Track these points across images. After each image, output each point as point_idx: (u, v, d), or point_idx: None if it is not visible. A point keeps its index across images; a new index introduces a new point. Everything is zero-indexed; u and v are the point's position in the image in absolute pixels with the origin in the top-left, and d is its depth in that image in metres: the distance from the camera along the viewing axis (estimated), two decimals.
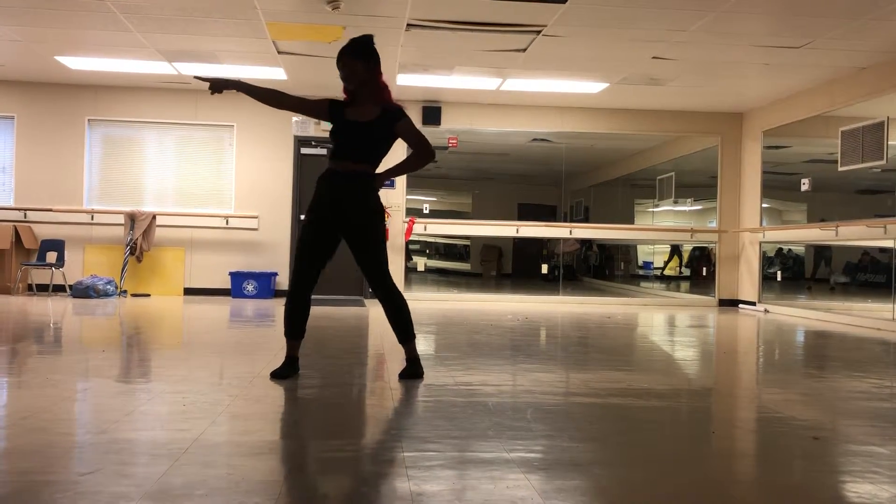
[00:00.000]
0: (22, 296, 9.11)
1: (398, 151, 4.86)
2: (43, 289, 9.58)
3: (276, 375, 3.78)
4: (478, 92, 9.59)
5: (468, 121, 10.50)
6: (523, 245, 16.88)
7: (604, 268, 17.11)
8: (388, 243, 9.99)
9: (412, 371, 3.88)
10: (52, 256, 9.50)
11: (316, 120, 10.01)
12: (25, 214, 9.66)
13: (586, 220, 16.42)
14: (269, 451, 2.49)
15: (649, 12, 6.31)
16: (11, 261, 9.27)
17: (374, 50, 3.83)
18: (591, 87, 9.08)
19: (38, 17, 7.01)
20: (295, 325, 3.84)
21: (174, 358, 4.59)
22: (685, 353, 5.62)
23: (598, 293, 12.77)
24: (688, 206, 12.71)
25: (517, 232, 11.78)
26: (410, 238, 10.74)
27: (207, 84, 3.73)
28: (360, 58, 3.78)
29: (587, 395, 3.59)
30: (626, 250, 18.13)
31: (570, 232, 11.44)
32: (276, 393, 3.49)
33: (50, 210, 9.67)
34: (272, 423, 2.98)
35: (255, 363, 4.28)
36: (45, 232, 9.66)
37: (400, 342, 3.91)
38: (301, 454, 2.52)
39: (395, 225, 10.22)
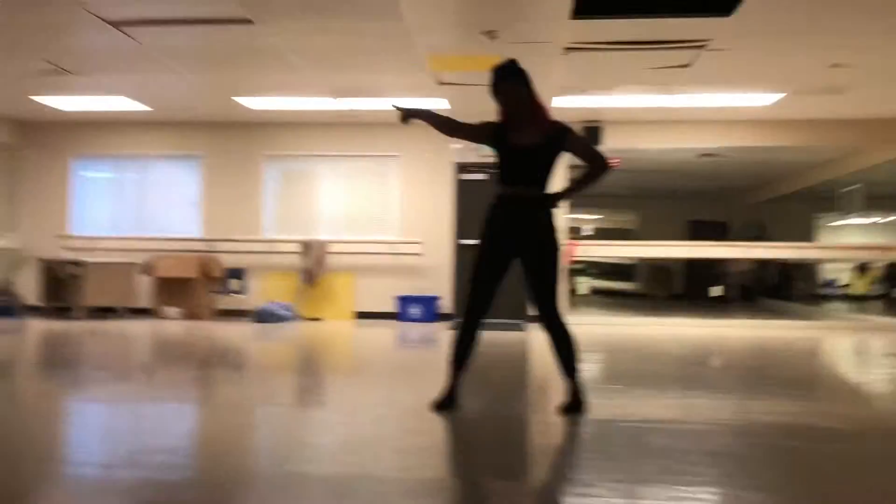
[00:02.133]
0: (210, 321, 9.82)
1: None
2: (228, 314, 10.28)
3: (438, 407, 3.81)
4: (640, 110, 9.34)
5: (631, 140, 10.23)
6: (694, 265, 16.21)
7: (782, 287, 16.08)
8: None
9: (575, 405, 3.78)
10: (235, 284, 10.19)
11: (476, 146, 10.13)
12: (212, 245, 10.43)
13: (760, 236, 15.53)
14: (431, 491, 2.50)
15: (825, 18, 5.88)
16: (200, 288, 10.03)
17: (527, 71, 3.85)
18: (761, 98, 8.59)
19: (220, 64, 7.58)
20: (462, 355, 3.86)
21: (345, 385, 4.76)
22: (880, 386, 5.13)
23: (777, 315, 11.98)
24: (879, 219, 11.69)
25: (688, 253, 11.26)
26: (578, 259, 10.59)
27: (398, 113, 3.88)
28: (522, 83, 3.79)
29: (763, 436, 3.35)
30: (806, 268, 16.88)
31: (747, 253, 10.78)
32: (438, 426, 3.52)
33: (233, 240, 10.39)
34: (434, 458, 3.00)
35: (419, 391, 4.35)
36: (229, 261, 10.38)
37: (563, 374, 3.83)
38: (463, 496, 2.51)
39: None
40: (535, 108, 3.81)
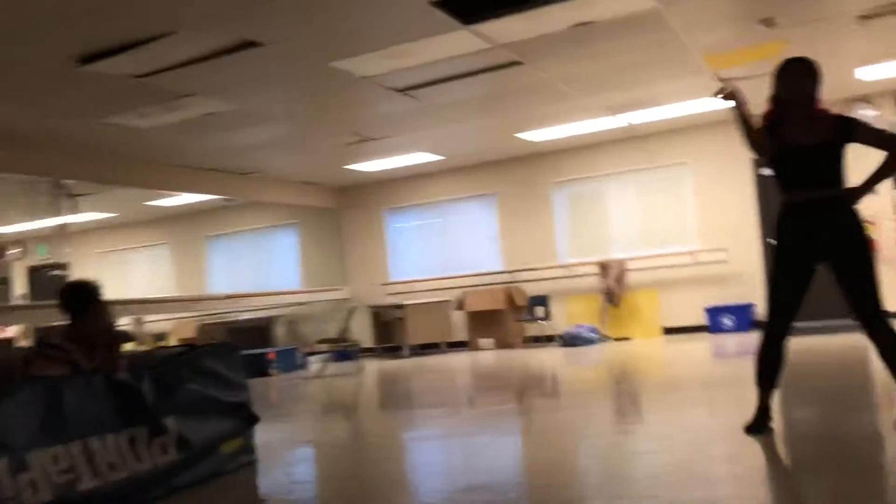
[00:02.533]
0: (521, 348, 10.21)
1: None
2: (536, 340, 10.62)
3: (750, 430, 3.60)
4: None
5: None
6: None
7: None
8: (879, 258, 8.82)
9: None
10: (539, 311, 10.51)
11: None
12: (514, 276, 10.87)
13: None
14: None
15: None
16: (508, 318, 10.49)
17: (819, 72, 3.52)
18: None
19: (497, 106, 7.97)
20: (767, 374, 3.62)
21: (660, 406, 4.69)
22: None
23: None
24: None
25: None
26: None
27: (718, 91, 3.66)
28: (813, 77, 3.50)
29: None
30: None
31: None
32: (752, 451, 3.32)
33: (532, 269, 10.74)
34: (753, 489, 2.84)
35: (740, 408, 4.14)
36: (531, 289, 10.73)
37: None
38: None
39: (884, 234, 8.98)
40: (816, 105, 3.50)
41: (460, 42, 5.77)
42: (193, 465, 3.51)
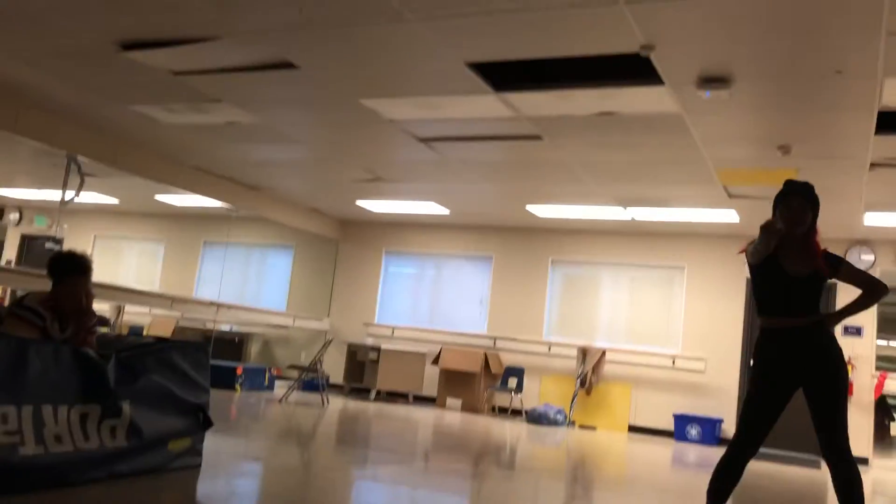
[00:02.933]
0: (486, 416, 10.17)
1: None
2: (503, 411, 10.58)
3: None
4: None
5: None
6: None
7: None
8: (852, 399, 8.89)
9: None
10: (513, 382, 10.49)
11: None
12: (495, 342, 10.90)
13: None
14: None
15: None
16: (481, 383, 10.48)
17: (818, 199, 3.64)
18: None
19: (512, 174, 8.13)
20: (720, 489, 3.64)
21: (611, 499, 4.69)
22: None
23: None
24: None
25: None
26: (889, 393, 9.40)
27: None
28: (811, 205, 3.61)
29: None
30: None
31: None
32: None
33: (514, 339, 10.77)
34: None
35: None
36: (509, 359, 10.75)
37: None
38: None
39: (861, 379, 9.05)
40: (812, 237, 3.60)
41: (488, 106, 5.93)
42: (139, 454, 3.52)
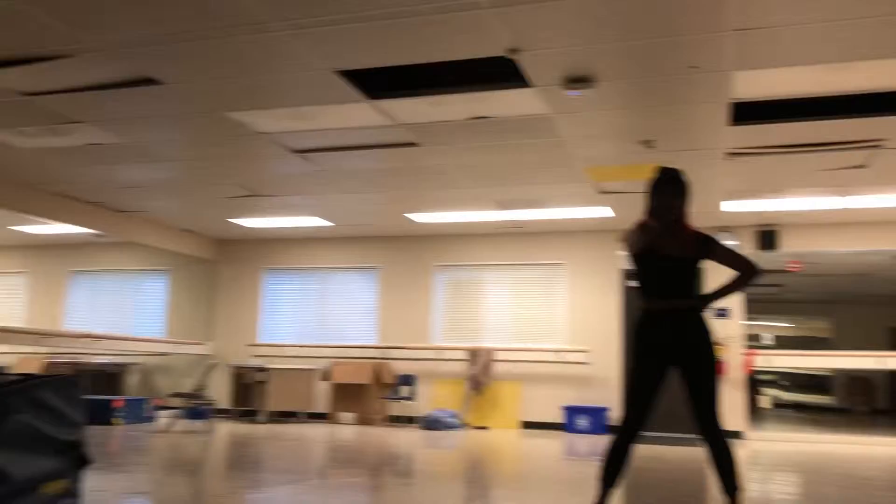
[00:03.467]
0: (381, 426, 10.11)
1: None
2: (397, 420, 10.54)
3: None
4: (818, 212, 8.87)
5: (811, 242, 9.69)
6: None
7: None
8: (725, 378, 9.40)
9: None
10: (405, 390, 10.49)
11: None
12: (385, 352, 10.85)
13: None
14: None
15: None
16: (373, 394, 10.40)
17: (688, 185, 3.82)
18: None
19: (393, 183, 8.12)
20: (611, 474, 3.75)
21: (508, 497, 4.74)
22: None
23: None
24: None
25: (885, 364, 10.30)
26: (759, 369, 9.98)
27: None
28: (681, 193, 3.79)
29: None
30: None
31: None
32: None
33: (404, 347, 10.77)
34: None
35: None
36: (400, 368, 10.73)
37: (724, 493, 3.61)
38: None
39: (733, 357, 9.59)
40: (683, 220, 3.78)
41: (362, 114, 5.91)
42: (9, 502, 3.27)
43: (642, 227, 3.81)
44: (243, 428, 9.37)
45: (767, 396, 17.82)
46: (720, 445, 3.60)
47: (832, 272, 12.44)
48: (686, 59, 4.75)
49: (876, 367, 12.13)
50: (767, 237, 9.68)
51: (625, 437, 3.72)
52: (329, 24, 4.41)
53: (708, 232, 3.79)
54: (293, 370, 10.68)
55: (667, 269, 3.71)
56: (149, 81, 5.34)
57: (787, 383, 17.86)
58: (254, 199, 8.93)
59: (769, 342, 18.24)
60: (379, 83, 5.35)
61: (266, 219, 10.14)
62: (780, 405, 17.80)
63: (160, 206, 9.59)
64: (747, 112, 5.65)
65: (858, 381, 16.84)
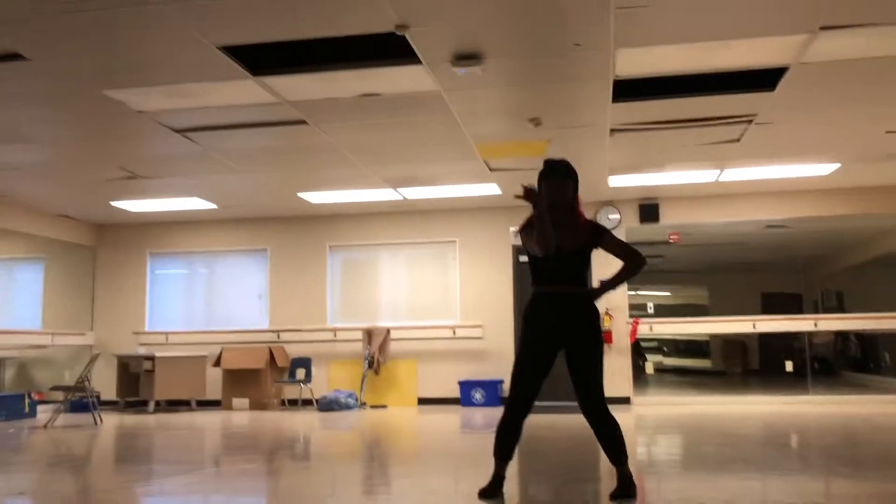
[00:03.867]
0: (276, 411, 9.96)
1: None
2: (293, 403, 10.42)
3: (483, 495, 3.78)
4: (696, 185, 9.31)
5: (690, 215, 10.17)
6: (769, 338, 15.69)
7: (866, 359, 15.35)
8: (612, 346, 9.77)
9: (625, 491, 3.70)
10: (301, 373, 10.36)
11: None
12: (278, 335, 10.68)
13: (839, 306, 14.97)
14: None
15: (871, 88, 5.84)
16: (267, 379, 10.23)
17: (576, 173, 3.91)
18: (820, 169, 8.47)
19: (282, 162, 7.94)
20: (504, 448, 3.83)
21: (407, 473, 4.76)
22: None
23: (860, 390, 11.45)
24: None
25: (755, 328, 10.96)
26: (642, 336, 10.42)
27: (524, 192, 3.71)
28: (571, 180, 3.87)
29: None
30: (893, 338, 16.20)
31: (816, 325, 10.45)
32: None
33: (298, 330, 10.62)
34: None
35: (479, 478, 4.31)
36: (295, 350, 10.59)
37: (613, 463, 3.76)
38: None
39: (618, 327, 9.98)
40: (575, 209, 3.87)
41: (247, 91, 5.73)
42: None
43: (535, 221, 3.88)
44: (131, 419, 9.02)
45: (651, 363, 18.63)
46: (605, 422, 3.74)
47: (709, 242, 13.08)
48: (571, 37, 4.84)
49: (749, 331, 12.88)
50: (649, 210, 10.08)
51: (514, 414, 3.81)
52: None
53: (596, 219, 3.94)
54: (182, 358, 10.35)
55: (560, 258, 3.80)
56: (16, 57, 4.98)
57: (667, 349, 18.71)
58: (135, 181, 8.55)
59: (651, 311, 19.07)
60: (265, 59, 5.20)
61: (149, 201, 9.73)
62: (661, 370, 18.66)
63: (32, 189, 9.02)
64: (630, 89, 5.83)
65: (733, 345, 17.84)
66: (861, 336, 15.19)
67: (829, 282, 16.03)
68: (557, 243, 3.75)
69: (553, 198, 3.81)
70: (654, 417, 8.21)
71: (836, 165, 8.31)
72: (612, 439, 3.74)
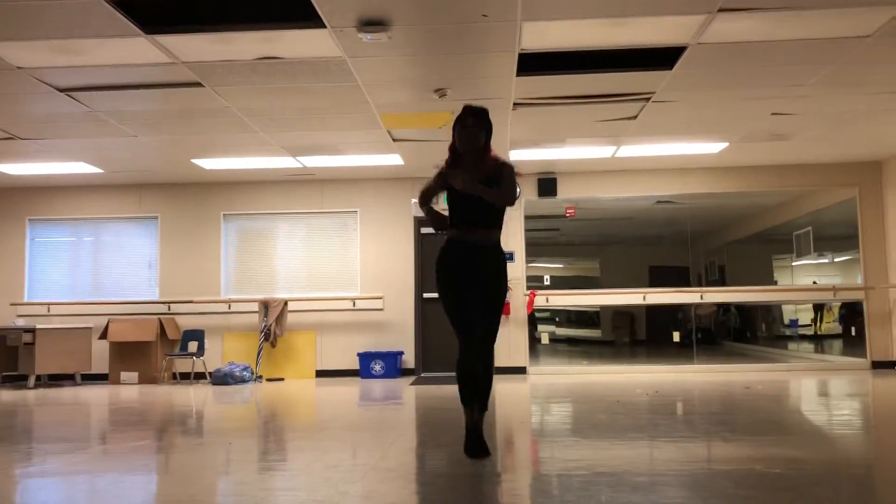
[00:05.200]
0: (167, 385, 9.63)
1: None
2: (185, 377, 10.10)
3: (470, 453, 3.91)
4: (593, 161, 9.52)
5: (585, 189, 10.43)
6: (656, 309, 16.35)
7: (745, 330, 16.23)
8: (510, 318, 9.93)
9: (476, 446, 3.92)
10: (193, 346, 10.05)
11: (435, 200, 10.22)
12: (169, 307, 10.30)
13: (721, 279, 15.74)
14: None
15: (761, 71, 6.09)
16: (157, 352, 9.86)
17: (491, 124, 4.01)
18: (710, 147, 8.82)
19: (176, 126, 7.59)
20: (470, 393, 3.94)
21: (305, 447, 4.69)
22: (837, 429, 5.19)
23: (740, 359, 12.10)
24: (827, 260, 12.04)
25: (644, 300, 11.38)
26: (538, 307, 10.65)
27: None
28: (484, 128, 3.92)
29: (716, 487, 3.35)
30: (768, 309, 17.19)
31: (702, 297, 10.93)
32: (387, 489, 3.47)
33: (191, 301, 10.27)
34: None
35: (380, 450, 4.29)
36: (186, 323, 10.24)
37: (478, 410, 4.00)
38: None
39: (516, 299, 10.15)
40: (486, 154, 3.96)
41: (139, 50, 5.42)
42: None
43: (448, 165, 3.97)
44: (9, 395, 8.53)
45: (545, 333, 19.14)
46: (489, 365, 3.95)
47: (602, 217, 13.45)
48: (480, 8, 4.80)
49: (637, 303, 13.37)
50: (548, 184, 10.27)
51: (467, 355, 3.89)
52: None
53: (507, 161, 4.05)
54: (66, 329, 9.85)
55: (468, 198, 3.86)
56: None
57: (558, 319, 19.27)
58: (13, 141, 7.99)
59: (548, 283, 19.53)
60: (160, 16, 4.92)
61: (29, 165, 9.13)
62: (554, 340, 19.20)
63: None
64: (534, 63, 5.86)
65: (622, 316, 18.51)
66: (741, 308, 16.05)
67: (712, 256, 16.83)
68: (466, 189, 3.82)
69: (464, 146, 3.88)
70: (548, 386, 8.41)
71: (725, 144, 8.66)
72: (486, 383, 3.96)
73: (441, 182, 3.99)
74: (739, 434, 4.87)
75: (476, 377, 3.94)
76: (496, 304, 3.96)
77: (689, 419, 5.82)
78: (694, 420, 5.76)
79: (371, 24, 4.98)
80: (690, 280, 15.29)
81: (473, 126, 3.94)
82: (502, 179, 3.92)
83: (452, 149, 4.00)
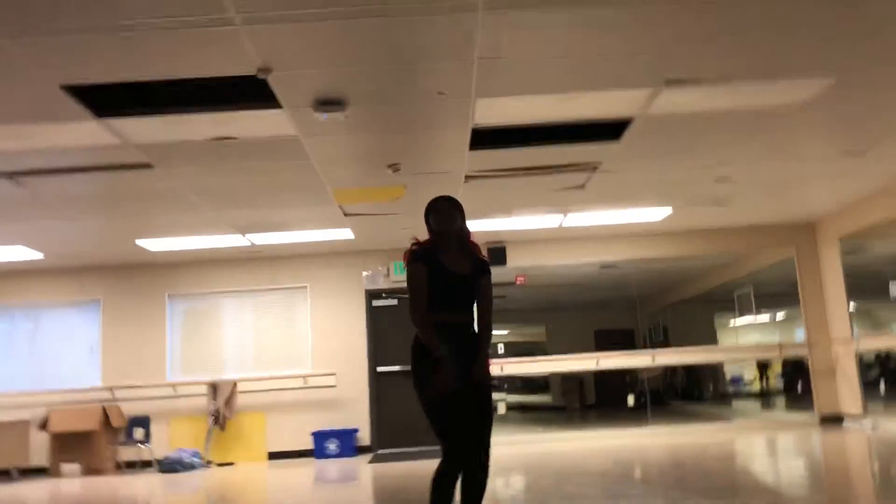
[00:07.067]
0: (112, 475, 9.18)
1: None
2: (132, 466, 9.66)
3: None
4: (540, 230, 9.66)
5: (534, 258, 10.55)
6: (605, 373, 16.46)
7: (692, 389, 16.44)
8: None
9: None
10: (139, 433, 9.64)
11: (386, 272, 10.21)
12: (113, 393, 9.89)
13: (665, 340, 15.96)
14: None
15: (704, 140, 6.33)
16: (101, 441, 9.42)
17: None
18: (654, 213, 9.05)
19: (121, 208, 7.43)
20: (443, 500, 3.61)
21: None
22: (791, 489, 5.24)
23: (690, 419, 12.20)
24: (766, 319, 12.37)
25: (597, 364, 11.45)
26: (493, 376, 10.58)
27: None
28: (457, 208, 3.89)
29: None
30: (713, 368, 17.44)
31: (653, 359, 11.06)
32: None
33: (135, 386, 9.89)
34: None
35: None
36: (131, 409, 9.83)
37: None
38: None
39: None
40: (467, 237, 3.92)
41: (89, 133, 5.31)
42: None
43: (427, 251, 3.84)
44: None
45: (502, 402, 19.03)
46: (482, 478, 3.69)
47: (548, 283, 13.60)
48: (435, 85, 4.89)
49: (585, 368, 13.45)
50: (498, 253, 10.34)
51: (454, 469, 3.62)
52: (55, 34, 3.91)
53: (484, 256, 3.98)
54: (2, 422, 9.34)
55: (457, 283, 3.78)
56: None
57: (507, 386, 19.23)
58: None
59: (502, 351, 19.53)
60: (111, 100, 4.86)
61: None
62: (508, 408, 19.10)
63: None
64: (486, 137, 5.97)
65: (570, 380, 18.56)
66: (687, 367, 16.28)
67: (656, 317, 17.10)
68: (453, 268, 3.75)
69: (441, 227, 3.83)
70: (507, 457, 8.30)
71: (669, 210, 8.91)
72: (481, 491, 3.69)
73: (427, 264, 3.76)
74: (717, 499, 4.87)
75: (452, 489, 3.64)
76: (490, 397, 3.79)
77: (665, 483, 5.80)
78: (669, 486, 5.74)
79: (328, 103, 5.01)
80: (636, 342, 15.47)
81: (449, 208, 3.90)
82: (482, 280, 3.83)
83: (434, 234, 3.90)
